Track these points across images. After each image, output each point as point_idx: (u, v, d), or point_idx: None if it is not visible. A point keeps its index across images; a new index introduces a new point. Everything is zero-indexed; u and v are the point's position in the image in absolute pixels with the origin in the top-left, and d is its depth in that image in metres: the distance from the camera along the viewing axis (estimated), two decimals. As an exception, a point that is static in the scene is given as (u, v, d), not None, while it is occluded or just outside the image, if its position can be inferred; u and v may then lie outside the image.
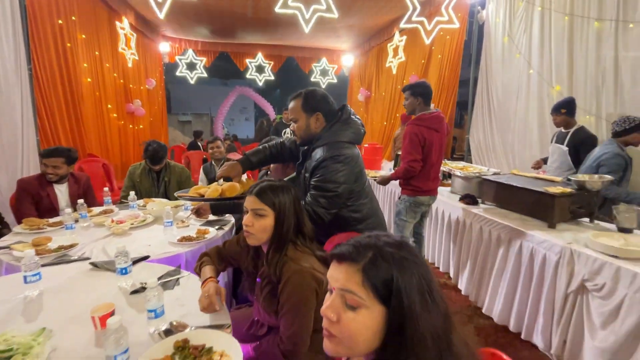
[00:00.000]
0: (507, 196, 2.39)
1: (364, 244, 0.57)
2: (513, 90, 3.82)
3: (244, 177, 2.05)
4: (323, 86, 8.87)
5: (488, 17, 4.21)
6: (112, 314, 1.03)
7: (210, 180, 3.09)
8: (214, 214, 1.99)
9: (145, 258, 1.52)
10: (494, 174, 2.71)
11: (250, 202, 1.13)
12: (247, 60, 8.34)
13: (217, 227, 1.95)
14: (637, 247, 1.60)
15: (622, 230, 1.87)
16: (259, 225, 1.10)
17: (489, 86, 4.25)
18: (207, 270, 1.25)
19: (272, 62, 8.50)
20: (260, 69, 8.44)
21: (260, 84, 8.68)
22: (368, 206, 1.65)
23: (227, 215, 2.14)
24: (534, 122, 3.56)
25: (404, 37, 5.98)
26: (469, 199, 2.70)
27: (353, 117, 1.63)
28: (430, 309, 0.53)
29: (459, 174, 2.88)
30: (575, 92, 3.11)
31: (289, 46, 8.36)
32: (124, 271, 1.29)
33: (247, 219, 1.11)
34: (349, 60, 8.51)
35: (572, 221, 2.12)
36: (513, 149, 3.87)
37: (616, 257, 1.59)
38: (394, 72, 6.52)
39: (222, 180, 1.85)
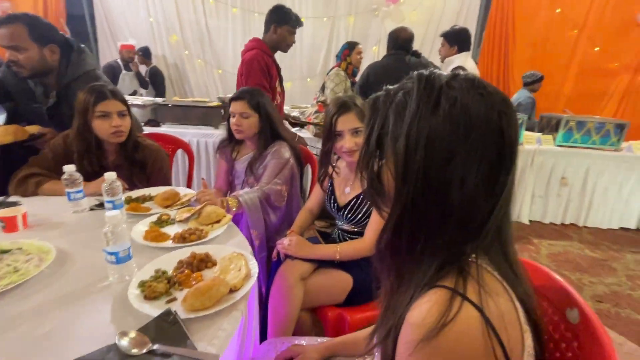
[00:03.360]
0: (181, 114, 3.36)
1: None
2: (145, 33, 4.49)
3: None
4: None
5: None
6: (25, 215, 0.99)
7: None
8: None
9: None
10: (164, 101, 3.52)
11: (113, 105, 1.28)
12: None
13: None
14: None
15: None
16: (127, 124, 1.33)
17: (109, 26, 4.54)
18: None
19: None
20: None
21: None
22: None
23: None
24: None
25: None
26: (153, 122, 3.37)
27: (80, 44, 1.64)
28: None
29: (139, 103, 3.39)
30: (187, 43, 4.46)
31: None
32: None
33: (116, 120, 1.27)
34: None
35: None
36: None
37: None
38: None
39: None
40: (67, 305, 0.70)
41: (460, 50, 2.48)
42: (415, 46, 3.88)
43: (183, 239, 0.96)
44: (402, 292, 0.49)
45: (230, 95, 3.67)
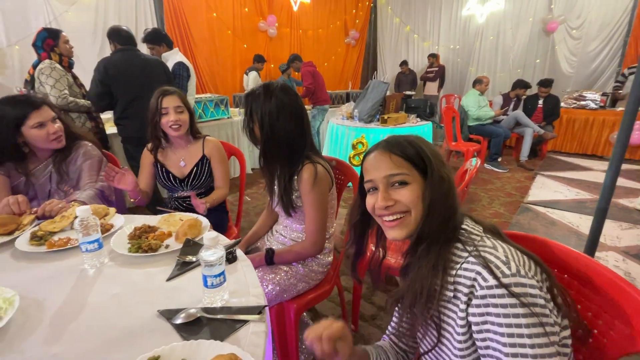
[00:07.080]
0: None
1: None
2: None
3: None
4: None
5: None
6: None
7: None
8: None
9: None
10: None
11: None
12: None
13: None
14: None
15: None
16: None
17: None
18: None
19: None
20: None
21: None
22: None
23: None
24: None
25: None
26: None
27: None
28: None
29: None
30: None
31: None
32: None
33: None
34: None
35: None
36: None
37: None
38: None
39: None
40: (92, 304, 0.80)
41: (169, 48, 2.97)
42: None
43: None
44: (282, 172, 1.21)
45: None
